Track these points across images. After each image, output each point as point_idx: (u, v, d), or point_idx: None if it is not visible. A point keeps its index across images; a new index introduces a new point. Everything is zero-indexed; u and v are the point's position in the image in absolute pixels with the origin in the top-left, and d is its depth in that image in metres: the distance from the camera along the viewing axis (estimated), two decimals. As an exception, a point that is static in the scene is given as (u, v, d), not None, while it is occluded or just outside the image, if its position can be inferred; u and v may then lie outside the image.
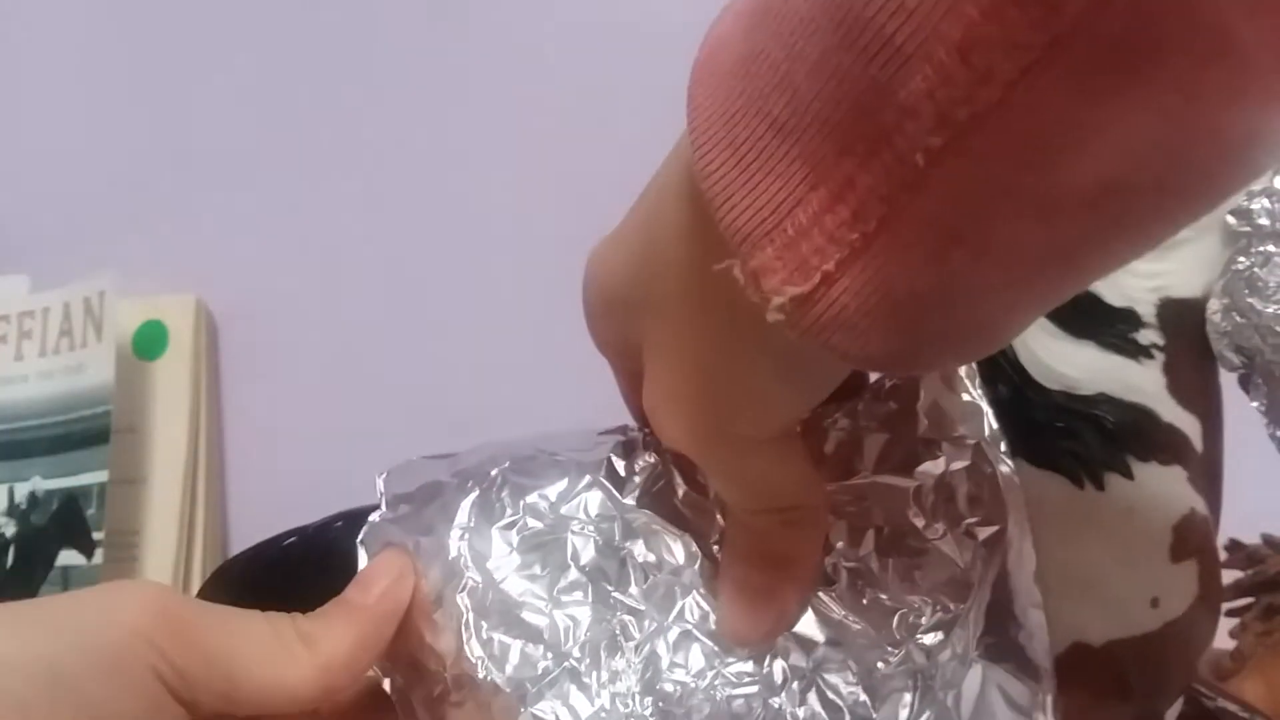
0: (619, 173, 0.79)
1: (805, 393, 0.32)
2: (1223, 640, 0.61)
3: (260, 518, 0.88)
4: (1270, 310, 0.43)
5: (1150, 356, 0.44)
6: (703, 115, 0.24)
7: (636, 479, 0.40)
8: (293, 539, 0.45)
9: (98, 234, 0.93)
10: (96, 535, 0.84)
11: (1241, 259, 0.44)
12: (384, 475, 0.42)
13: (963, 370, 0.42)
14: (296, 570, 0.44)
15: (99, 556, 0.83)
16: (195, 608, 0.32)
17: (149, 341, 0.91)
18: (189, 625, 0.30)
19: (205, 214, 0.91)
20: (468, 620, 0.37)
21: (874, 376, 0.43)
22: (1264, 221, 0.44)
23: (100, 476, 0.85)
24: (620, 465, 0.40)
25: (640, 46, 0.81)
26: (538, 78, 0.85)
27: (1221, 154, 0.21)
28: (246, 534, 0.87)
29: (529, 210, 0.83)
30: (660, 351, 0.33)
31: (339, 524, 0.43)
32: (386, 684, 0.38)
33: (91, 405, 0.86)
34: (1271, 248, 0.44)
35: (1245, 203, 0.44)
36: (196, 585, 0.84)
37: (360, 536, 0.40)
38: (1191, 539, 0.44)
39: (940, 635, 0.38)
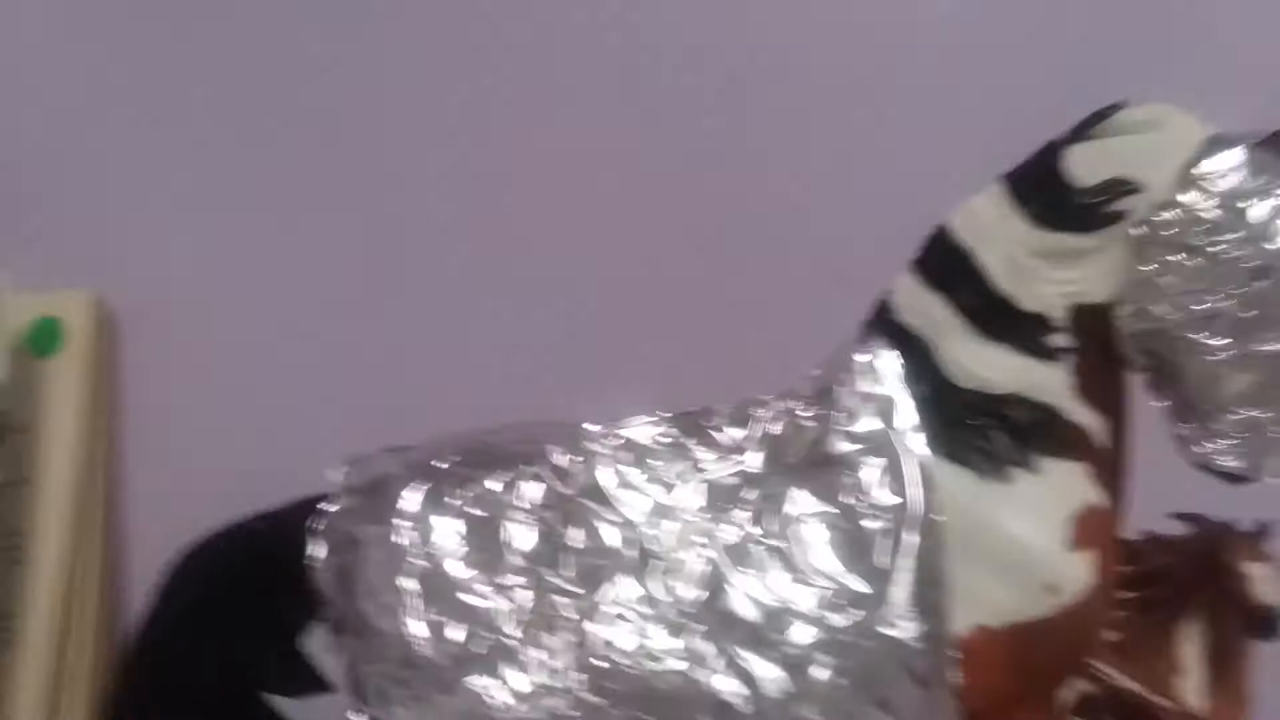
0: (556, 167, 0.81)
1: None
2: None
3: (161, 517, 0.86)
4: (1173, 316, 0.48)
5: (1058, 359, 0.48)
6: None
7: (577, 468, 0.44)
8: (259, 522, 0.47)
9: (-12, 226, 0.90)
10: (-18, 536, 0.81)
11: (1146, 267, 0.48)
12: (344, 468, 0.46)
13: (884, 367, 0.45)
14: (262, 550, 0.46)
15: (-15, 557, 0.81)
16: None
17: (43, 338, 0.88)
18: None
19: (106, 206, 0.89)
20: (412, 603, 0.41)
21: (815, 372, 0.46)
22: (1166, 233, 0.48)
23: (-12, 476, 0.82)
24: (562, 457, 0.44)
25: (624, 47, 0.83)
26: (452, 55, 0.86)
27: None
28: (146, 533, 0.86)
29: (440, 201, 0.84)
30: None
31: (302, 509, 0.46)
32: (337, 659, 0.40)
33: (-19, 402, 0.84)
34: (1171, 257, 0.48)
35: (1150, 215, 0.48)
36: (90, 585, 0.82)
37: (311, 524, 0.44)
38: (1090, 530, 0.49)
39: (852, 613, 0.42)
